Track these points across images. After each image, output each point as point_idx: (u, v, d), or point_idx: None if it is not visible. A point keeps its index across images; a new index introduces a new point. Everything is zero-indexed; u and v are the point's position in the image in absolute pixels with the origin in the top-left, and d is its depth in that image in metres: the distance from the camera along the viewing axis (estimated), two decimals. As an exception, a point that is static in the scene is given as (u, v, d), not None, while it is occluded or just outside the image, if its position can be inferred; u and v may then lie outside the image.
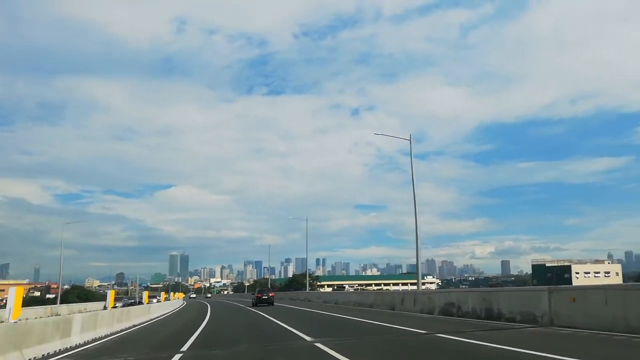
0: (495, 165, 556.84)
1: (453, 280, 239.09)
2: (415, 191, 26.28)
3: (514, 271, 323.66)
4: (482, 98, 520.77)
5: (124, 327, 17.82)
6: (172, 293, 72.10)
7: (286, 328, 15.15)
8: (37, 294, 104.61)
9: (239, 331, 15.40)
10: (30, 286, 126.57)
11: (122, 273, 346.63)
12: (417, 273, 27.08)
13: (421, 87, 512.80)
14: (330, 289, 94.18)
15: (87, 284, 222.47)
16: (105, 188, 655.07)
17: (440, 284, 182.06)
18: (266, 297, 37.66)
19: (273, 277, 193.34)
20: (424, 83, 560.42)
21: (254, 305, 37.20)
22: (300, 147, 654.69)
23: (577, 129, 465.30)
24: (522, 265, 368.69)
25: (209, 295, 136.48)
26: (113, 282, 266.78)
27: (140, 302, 38.99)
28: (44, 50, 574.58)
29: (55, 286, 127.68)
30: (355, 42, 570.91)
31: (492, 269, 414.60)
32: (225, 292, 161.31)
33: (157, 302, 38.48)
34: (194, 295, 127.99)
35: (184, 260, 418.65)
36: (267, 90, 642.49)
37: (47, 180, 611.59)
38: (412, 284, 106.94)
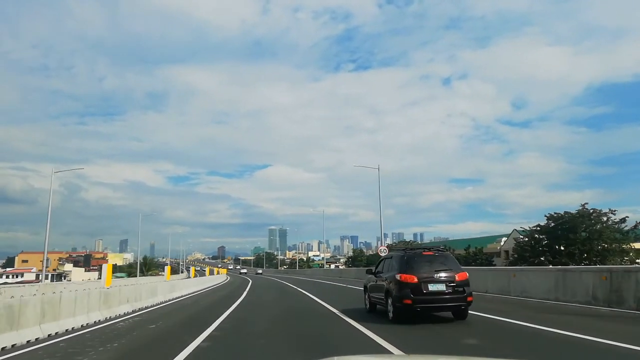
0: (609, 130, 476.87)
1: None
2: None
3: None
4: (591, 56, 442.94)
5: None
6: (209, 268, 58.71)
7: None
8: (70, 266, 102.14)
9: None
10: (66, 255, 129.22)
11: (223, 247, 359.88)
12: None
13: (518, 50, 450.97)
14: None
15: (190, 257, 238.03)
16: (209, 169, 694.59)
17: None
18: (443, 286, 10.00)
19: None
20: (521, 44, 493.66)
21: (394, 315, 10.31)
22: (389, 122, 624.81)
23: None
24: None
25: (260, 271, 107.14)
26: (208, 257, 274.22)
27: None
28: (145, 41, 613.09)
29: (99, 256, 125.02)
30: (444, 4, 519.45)
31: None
32: (331, 266, 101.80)
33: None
34: (245, 271, 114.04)
35: (282, 234, 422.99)
36: (353, 67, 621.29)
37: (158, 164, 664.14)
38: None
